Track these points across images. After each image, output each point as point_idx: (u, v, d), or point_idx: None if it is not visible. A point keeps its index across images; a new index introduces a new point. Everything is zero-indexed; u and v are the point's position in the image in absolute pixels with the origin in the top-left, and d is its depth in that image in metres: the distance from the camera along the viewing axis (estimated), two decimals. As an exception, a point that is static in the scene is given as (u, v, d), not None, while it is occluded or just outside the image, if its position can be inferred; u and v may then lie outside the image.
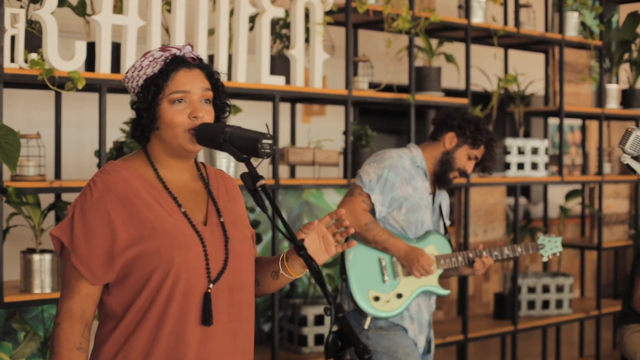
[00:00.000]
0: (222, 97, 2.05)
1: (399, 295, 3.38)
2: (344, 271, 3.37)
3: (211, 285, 1.95)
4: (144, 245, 1.92)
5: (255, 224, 4.34)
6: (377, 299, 3.36)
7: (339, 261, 3.47)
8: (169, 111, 1.96)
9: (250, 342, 2.06)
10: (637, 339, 4.22)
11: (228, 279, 1.98)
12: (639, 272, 4.17)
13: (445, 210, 3.64)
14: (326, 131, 5.50)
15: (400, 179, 3.37)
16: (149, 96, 1.96)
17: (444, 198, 3.62)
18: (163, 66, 1.98)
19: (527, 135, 7.75)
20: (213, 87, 2.03)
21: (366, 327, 3.36)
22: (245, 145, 1.87)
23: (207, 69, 2.03)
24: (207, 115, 1.98)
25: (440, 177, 3.49)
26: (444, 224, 3.59)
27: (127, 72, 2.04)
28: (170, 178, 2.02)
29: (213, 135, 1.91)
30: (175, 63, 1.99)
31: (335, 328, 1.73)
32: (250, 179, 1.86)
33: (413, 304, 3.41)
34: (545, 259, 3.68)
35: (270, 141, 1.85)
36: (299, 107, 6.23)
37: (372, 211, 3.35)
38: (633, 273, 4.24)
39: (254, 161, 1.92)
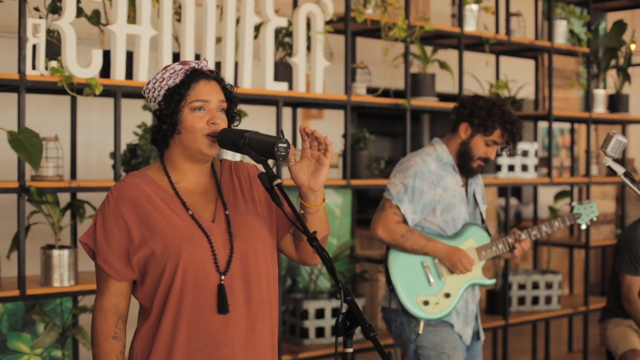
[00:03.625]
0: (234, 107, 2.28)
1: (447, 295, 3.48)
2: (389, 280, 3.48)
3: (222, 277, 2.15)
4: (154, 244, 2.14)
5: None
6: (426, 303, 3.46)
7: (384, 268, 3.57)
8: (189, 117, 2.18)
9: (275, 321, 2.26)
10: (618, 332, 4.46)
11: (239, 265, 2.18)
12: (621, 269, 4.39)
13: (481, 194, 3.69)
14: (324, 134, 5.70)
15: (428, 183, 3.44)
16: (173, 104, 2.18)
17: (477, 184, 3.67)
18: (184, 77, 2.20)
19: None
20: (227, 98, 2.25)
21: (420, 331, 3.46)
22: (263, 149, 2.08)
23: (222, 82, 2.26)
24: (222, 122, 2.20)
25: (463, 167, 3.55)
26: (480, 212, 3.66)
27: (147, 84, 2.24)
28: (183, 183, 2.23)
29: (233, 139, 2.13)
30: (195, 75, 2.20)
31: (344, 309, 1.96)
32: (267, 178, 2.08)
33: (460, 299, 3.53)
34: (583, 227, 3.74)
35: (285, 145, 2.07)
36: (298, 110, 6.45)
37: (405, 221, 3.44)
38: (615, 270, 4.46)
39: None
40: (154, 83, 2.22)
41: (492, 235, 3.63)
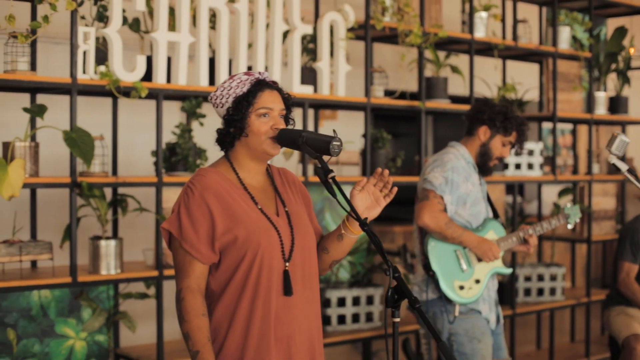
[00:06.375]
0: (290, 113, 2.59)
1: (477, 281, 3.87)
2: (429, 267, 3.82)
3: (287, 264, 2.47)
4: (237, 232, 2.43)
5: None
6: (462, 287, 3.84)
7: (422, 256, 3.91)
8: (256, 123, 2.49)
9: (319, 305, 2.59)
10: (621, 319, 4.79)
11: (299, 256, 2.50)
12: (622, 256, 4.73)
13: (488, 193, 4.10)
14: (338, 134, 6.02)
15: (462, 178, 3.84)
16: (242, 110, 2.48)
17: (484, 183, 4.08)
18: (250, 87, 2.50)
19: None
20: (285, 105, 2.56)
21: (457, 314, 3.82)
22: (319, 146, 2.39)
23: (282, 91, 2.57)
24: (282, 126, 2.51)
25: (482, 167, 3.96)
26: (492, 208, 4.07)
27: (215, 91, 2.54)
28: (248, 180, 2.54)
29: (293, 139, 2.44)
30: (261, 85, 2.51)
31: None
32: (322, 172, 2.39)
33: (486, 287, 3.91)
34: (570, 227, 4.14)
35: (339, 143, 2.38)
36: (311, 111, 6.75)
37: (445, 209, 3.81)
38: (616, 257, 4.80)
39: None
40: (222, 91, 2.51)
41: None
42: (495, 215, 4.09)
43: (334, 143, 2.38)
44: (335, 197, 2.37)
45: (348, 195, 2.45)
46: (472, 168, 3.94)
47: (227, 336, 2.45)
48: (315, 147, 2.41)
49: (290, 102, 2.58)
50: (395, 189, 2.51)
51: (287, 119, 2.58)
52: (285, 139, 2.47)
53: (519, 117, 3.94)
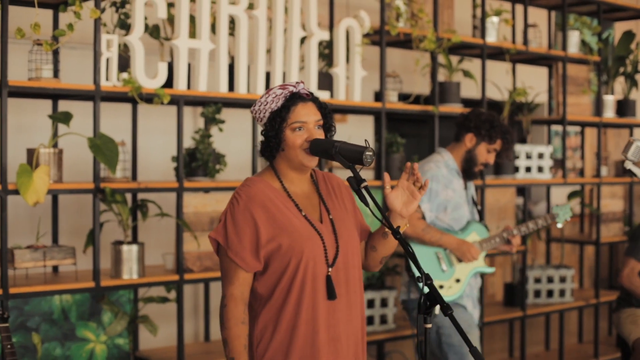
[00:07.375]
0: (330, 121, 2.64)
1: (457, 280, 4.06)
2: (409, 268, 4.03)
3: (330, 269, 2.54)
4: (281, 240, 2.51)
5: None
6: (441, 287, 4.02)
7: (405, 260, 4.14)
8: (291, 137, 2.55)
9: (363, 309, 2.65)
10: (631, 321, 4.85)
11: (342, 261, 2.57)
12: (631, 254, 4.79)
13: (474, 196, 4.28)
14: (346, 137, 6.07)
15: (441, 185, 4.04)
16: (276, 125, 2.55)
17: (471, 187, 4.28)
18: (284, 102, 2.56)
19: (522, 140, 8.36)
20: (322, 114, 2.61)
21: (437, 312, 3.93)
22: (351, 156, 2.45)
23: (317, 101, 2.62)
24: (319, 137, 2.57)
25: (467, 172, 4.17)
26: (478, 210, 4.26)
27: (254, 106, 2.60)
28: (292, 188, 2.61)
29: (326, 148, 2.50)
30: (294, 99, 2.56)
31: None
32: (355, 181, 2.45)
33: (467, 285, 4.10)
34: (560, 226, 4.27)
35: (371, 153, 2.44)
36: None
37: (423, 217, 4.01)
38: (626, 253, 4.85)
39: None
40: (259, 106, 2.58)
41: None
42: (481, 218, 4.28)
43: (367, 153, 2.43)
44: (368, 206, 2.43)
45: (379, 202, 2.51)
46: (454, 174, 4.13)
47: (274, 337, 2.53)
48: (348, 157, 2.47)
49: (327, 110, 2.63)
50: (428, 181, 2.57)
51: (328, 127, 2.63)
52: (318, 149, 2.52)
53: (504, 126, 4.13)
